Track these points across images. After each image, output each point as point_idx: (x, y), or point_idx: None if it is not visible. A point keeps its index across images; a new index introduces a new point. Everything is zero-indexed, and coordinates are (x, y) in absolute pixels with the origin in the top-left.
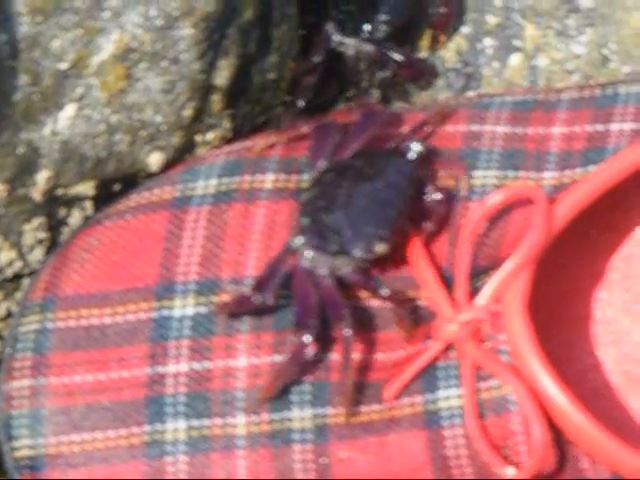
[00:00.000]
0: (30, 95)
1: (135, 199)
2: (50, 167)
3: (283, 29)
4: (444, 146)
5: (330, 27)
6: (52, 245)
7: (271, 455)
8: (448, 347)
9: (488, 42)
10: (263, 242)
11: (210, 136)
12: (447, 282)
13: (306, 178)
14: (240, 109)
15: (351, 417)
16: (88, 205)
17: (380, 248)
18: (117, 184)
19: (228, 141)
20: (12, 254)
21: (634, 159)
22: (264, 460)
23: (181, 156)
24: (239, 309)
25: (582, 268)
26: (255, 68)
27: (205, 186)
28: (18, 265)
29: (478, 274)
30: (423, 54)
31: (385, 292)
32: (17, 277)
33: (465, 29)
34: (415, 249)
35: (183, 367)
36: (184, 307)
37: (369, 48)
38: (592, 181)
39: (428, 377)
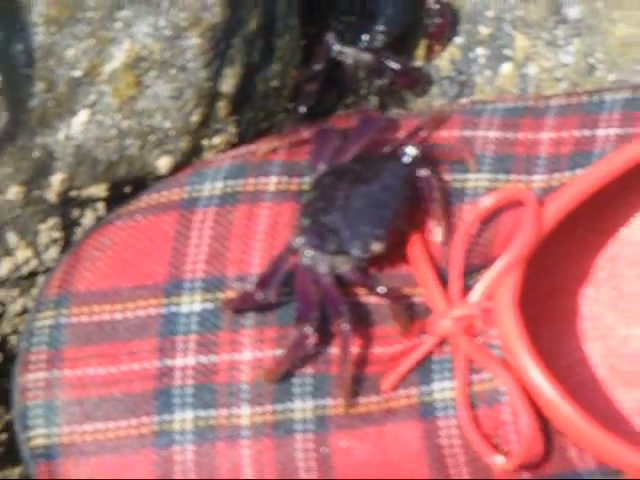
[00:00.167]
0: (45, 101)
1: (145, 200)
2: (64, 170)
3: (286, 39)
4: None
5: (330, 37)
6: (66, 244)
7: (274, 444)
8: (442, 342)
9: (480, 51)
10: (266, 242)
11: (216, 140)
12: (442, 280)
13: (307, 181)
14: (245, 115)
15: (350, 408)
16: (100, 206)
17: (376, 247)
18: (128, 186)
19: (233, 145)
20: (28, 253)
21: (619, 163)
22: (267, 449)
23: (189, 160)
24: (244, 305)
25: (570, 267)
26: (259, 76)
27: (211, 188)
28: (34, 263)
29: (471, 272)
30: (419, 63)
31: (382, 289)
32: (33, 275)
33: (458, 39)
34: (412, 248)
35: (190, 360)
36: (191, 303)
37: (367, 57)
38: (579, 184)
39: (423, 370)
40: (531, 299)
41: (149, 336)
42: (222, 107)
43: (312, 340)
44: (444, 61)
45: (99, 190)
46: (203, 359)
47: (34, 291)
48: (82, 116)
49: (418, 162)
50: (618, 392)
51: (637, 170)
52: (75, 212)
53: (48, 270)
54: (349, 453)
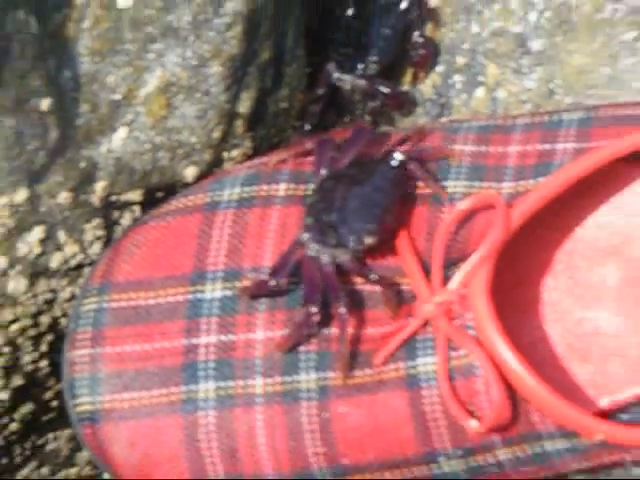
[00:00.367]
0: (90, 120)
1: (174, 204)
2: (106, 178)
3: (293, 68)
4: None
5: (331, 66)
6: (107, 241)
7: (283, 410)
8: (425, 323)
9: (458, 78)
10: (277, 239)
11: (234, 153)
12: (425, 271)
13: (311, 187)
14: (258, 132)
15: (347, 379)
16: (136, 209)
17: (369, 240)
18: (160, 192)
19: (249, 157)
20: (75, 248)
21: (575, 172)
22: (277, 414)
23: (211, 169)
24: (259, 291)
25: (533, 260)
26: (270, 99)
27: (230, 194)
28: (80, 257)
29: (450, 265)
30: (406, 87)
31: (374, 277)
32: (79, 267)
33: (439, 68)
34: (401, 244)
35: (212, 339)
36: (213, 291)
37: (362, 83)
38: (541, 190)
39: (409, 347)
40: (500, 287)
41: (177, 318)
42: (239, 125)
43: (316, 318)
44: (427, 86)
45: (135, 195)
46: (223, 338)
47: (80, 280)
48: (121, 133)
49: (406, 161)
50: (574, 366)
51: (589, 178)
52: (115, 214)
53: (92, 263)
54: (346, 417)
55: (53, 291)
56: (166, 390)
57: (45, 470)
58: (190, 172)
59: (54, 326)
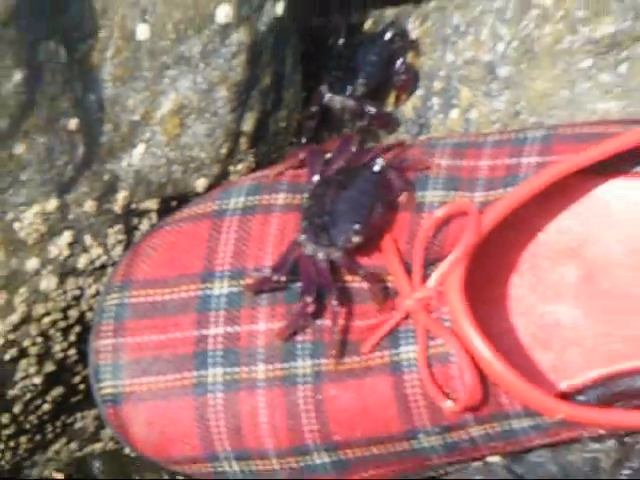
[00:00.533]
0: (112, 138)
1: (186, 211)
2: (126, 189)
3: (291, 92)
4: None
5: (323, 88)
6: (128, 244)
7: (282, 393)
8: (407, 316)
9: (435, 101)
10: (276, 242)
11: (239, 167)
12: (407, 270)
13: (306, 196)
14: (260, 148)
15: (338, 365)
16: (153, 216)
17: (356, 239)
18: (174, 201)
19: (252, 170)
20: (100, 250)
21: (538, 184)
22: (277, 396)
23: (219, 181)
24: (260, 287)
25: (502, 260)
26: (271, 119)
27: (236, 202)
28: (104, 258)
29: (429, 264)
30: (389, 108)
31: (363, 273)
32: (103, 267)
33: (419, 91)
34: (385, 247)
35: (220, 330)
36: (221, 288)
37: (351, 103)
38: (509, 199)
39: (393, 337)
40: (473, 284)
41: (189, 312)
42: (243, 142)
43: (311, 308)
44: (408, 108)
45: (152, 204)
46: (229, 329)
47: (104, 279)
48: (140, 149)
49: (387, 169)
50: (537, 354)
51: (550, 189)
52: (134, 220)
53: (114, 263)
54: (337, 399)
55: (80, 288)
56: (179, 375)
57: (74, 445)
58: (200, 183)
59: (81, 319)
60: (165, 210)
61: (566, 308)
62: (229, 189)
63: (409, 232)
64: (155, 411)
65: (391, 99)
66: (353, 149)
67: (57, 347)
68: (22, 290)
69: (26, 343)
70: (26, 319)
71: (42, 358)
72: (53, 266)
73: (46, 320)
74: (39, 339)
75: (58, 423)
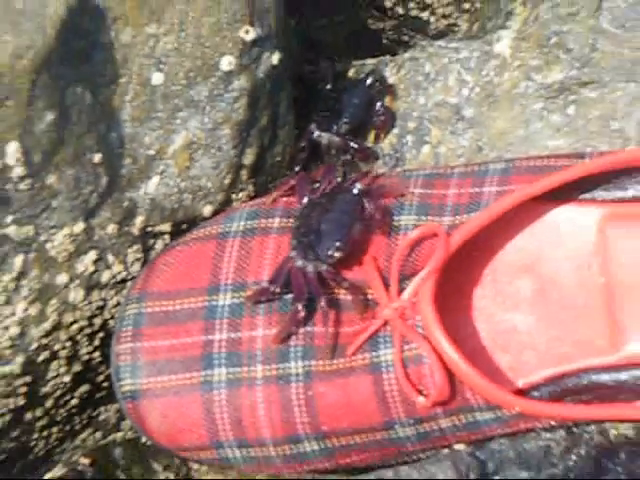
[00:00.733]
0: (131, 170)
1: (195, 233)
2: (143, 214)
3: (285, 130)
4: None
5: (312, 126)
6: (144, 261)
7: (278, 389)
8: (385, 323)
9: (409, 138)
10: (273, 259)
11: (240, 195)
12: (385, 283)
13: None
14: (258, 179)
15: (326, 366)
16: (166, 237)
17: (337, 254)
18: (184, 224)
19: (251, 198)
20: (120, 267)
21: (498, 209)
22: (274, 393)
23: (223, 207)
24: (259, 297)
25: (467, 275)
26: (268, 154)
27: (237, 225)
28: (124, 274)
29: (404, 279)
30: (370, 144)
31: (346, 284)
32: (123, 281)
33: (395, 130)
34: (366, 263)
35: (224, 336)
36: (225, 299)
37: (336, 139)
38: (473, 223)
39: (373, 342)
40: (442, 296)
41: (197, 320)
42: (244, 174)
43: (302, 314)
44: (386, 144)
45: (166, 227)
46: (232, 335)
47: (124, 291)
48: (155, 180)
49: (364, 194)
50: (497, 355)
51: (509, 213)
52: (150, 241)
53: (133, 278)
54: (325, 395)
55: (103, 300)
56: (189, 374)
57: (98, 434)
58: (207, 209)
59: (104, 326)
60: (177, 232)
61: (522, 316)
62: (232, 214)
63: (387, 251)
64: (168, 405)
65: (371, 137)
66: (336, 177)
67: (83, 350)
68: (53, 301)
69: (57, 347)
70: (57, 326)
71: (71, 360)
72: (80, 280)
73: (74, 327)
74: (68, 343)
75: (84, 415)
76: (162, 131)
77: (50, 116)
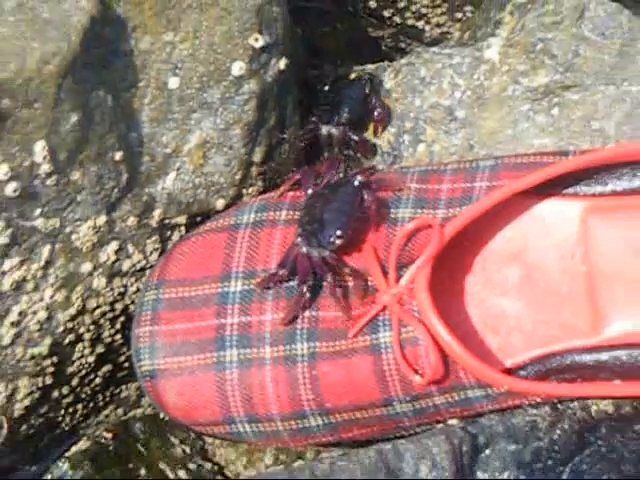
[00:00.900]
0: (150, 167)
1: (208, 225)
2: (161, 207)
3: (291, 130)
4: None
5: (313, 119)
6: (162, 251)
7: (285, 369)
8: (384, 308)
9: (406, 137)
10: (280, 249)
11: (250, 190)
12: (384, 271)
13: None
14: (267, 175)
15: (330, 347)
16: (182, 228)
17: (339, 241)
18: (198, 217)
19: (260, 193)
20: (140, 257)
21: (488, 203)
22: (281, 372)
23: (234, 201)
24: (269, 283)
25: (459, 263)
26: (276, 152)
27: (248, 218)
28: (143, 263)
29: (401, 267)
30: (369, 138)
31: (348, 271)
32: (143, 269)
33: (393, 130)
34: (367, 252)
35: (235, 320)
36: (236, 286)
37: (335, 131)
38: (465, 215)
39: (373, 325)
40: (436, 282)
41: (211, 305)
42: (254, 170)
43: (307, 295)
44: (384, 142)
45: (181, 219)
46: (243, 319)
47: (143, 279)
48: (171, 176)
49: (364, 187)
50: (487, 337)
51: (498, 206)
52: (167, 232)
53: (151, 266)
54: (329, 375)
55: (124, 286)
56: (203, 355)
57: (120, 410)
58: (220, 203)
59: (125, 311)
60: (192, 224)
61: (510, 301)
62: (242, 207)
63: (385, 241)
64: (184, 384)
65: (370, 130)
66: (338, 170)
67: (106, 333)
68: (78, 288)
69: (81, 330)
70: (81, 311)
71: (94, 342)
72: (103, 269)
73: (97, 312)
74: (92, 327)
75: (107, 393)
76: (178, 131)
77: (74, 117)
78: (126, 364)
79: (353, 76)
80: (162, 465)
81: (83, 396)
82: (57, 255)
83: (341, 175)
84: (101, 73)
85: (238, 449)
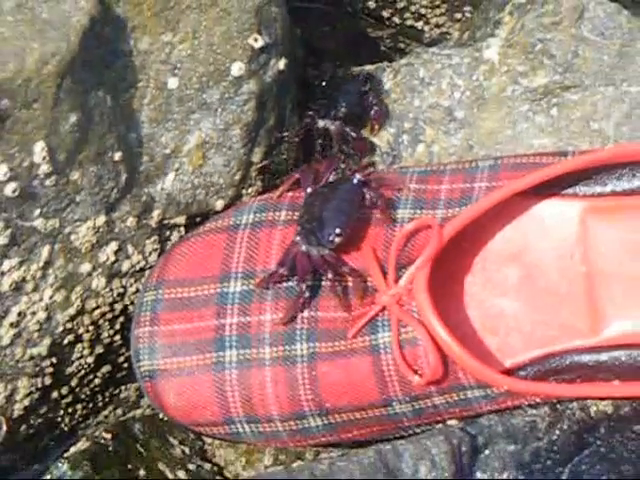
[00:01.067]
0: (149, 167)
1: (208, 225)
2: (160, 208)
3: (290, 130)
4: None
5: (310, 113)
6: (161, 252)
7: (284, 369)
8: (384, 308)
9: (405, 137)
10: (279, 249)
11: (250, 190)
12: (383, 272)
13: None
14: (266, 175)
15: (329, 348)
16: (182, 229)
17: (337, 239)
18: (198, 217)
19: (260, 193)
20: (139, 257)
21: (487, 203)
22: (280, 372)
23: (233, 201)
24: (268, 282)
25: (459, 264)
26: (274, 152)
27: (247, 218)
28: (142, 263)
29: (401, 267)
30: (366, 135)
31: (347, 270)
32: (142, 270)
33: (391, 130)
34: (366, 253)
35: (235, 320)
36: (235, 286)
37: (332, 127)
38: (464, 215)
39: (372, 325)
40: (435, 283)
41: (210, 306)
42: (253, 171)
43: (306, 294)
44: (384, 143)
45: (181, 220)
46: (242, 319)
47: (143, 279)
48: (171, 176)
49: (365, 185)
50: (486, 338)
51: (497, 207)
52: (167, 232)
53: (151, 267)
54: (328, 375)
55: (124, 287)
56: (202, 356)
57: (119, 411)
58: (219, 203)
59: (124, 311)
60: (191, 224)
61: (509, 302)
62: (242, 208)
63: (385, 242)
64: (183, 384)
65: (367, 127)
66: (337, 168)
67: (105, 334)
68: (77, 288)
69: (81, 331)
70: (81, 311)
71: (93, 342)
72: (102, 269)
73: (96, 312)
74: (91, 327)
75: (106, 394)
76: (177, 131)
77: (74, 118)
78: (125, 365)
79: (351, 74)
80: (161, 465)
81: (82, 396)
82: (56, 255)
83: (340, 172)
84: (101, 73)
85: (237, 449)
